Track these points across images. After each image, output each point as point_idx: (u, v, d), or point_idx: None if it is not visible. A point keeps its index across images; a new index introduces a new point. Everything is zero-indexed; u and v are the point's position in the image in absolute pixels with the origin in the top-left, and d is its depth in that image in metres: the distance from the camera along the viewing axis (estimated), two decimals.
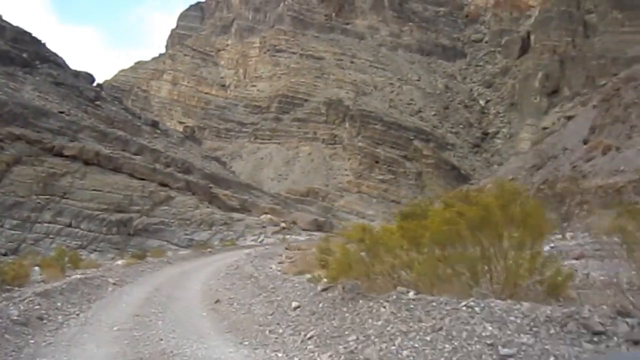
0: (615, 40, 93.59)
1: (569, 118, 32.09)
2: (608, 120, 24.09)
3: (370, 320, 6.89)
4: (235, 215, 56.39)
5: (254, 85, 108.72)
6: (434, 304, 6.26)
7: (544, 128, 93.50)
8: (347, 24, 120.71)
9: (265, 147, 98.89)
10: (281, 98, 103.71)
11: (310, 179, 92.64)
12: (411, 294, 6.97)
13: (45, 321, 9.42)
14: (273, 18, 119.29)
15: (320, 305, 8.77)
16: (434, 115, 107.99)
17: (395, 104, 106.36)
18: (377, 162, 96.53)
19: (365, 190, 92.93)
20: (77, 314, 10.52)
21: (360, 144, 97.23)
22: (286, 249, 29.57)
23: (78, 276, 15.19)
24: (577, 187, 20.79)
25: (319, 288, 9.69)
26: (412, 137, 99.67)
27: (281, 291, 11.04)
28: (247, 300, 11.42)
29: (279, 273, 14.75)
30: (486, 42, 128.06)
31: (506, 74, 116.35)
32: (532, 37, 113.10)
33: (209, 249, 36.57)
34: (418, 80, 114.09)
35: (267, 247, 37.07)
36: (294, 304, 9.47)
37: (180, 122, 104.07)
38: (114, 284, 15.40)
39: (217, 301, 11.84)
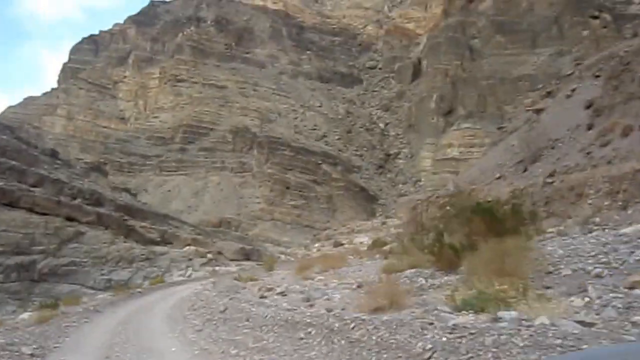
0: (501, 62, 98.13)
1: (538, 111, 30.78)
2: (619, 98, 22.47)
3: None
4: (157, 248, 50.96)
5: (156, 117, 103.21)
6: None
7: (448, 145, 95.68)
8: (248, 53, 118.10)
9: (172, 179, 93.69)
10: (185, 128, 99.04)
11: (221, 209, 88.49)
12: None
13: None
14: (172, 48, 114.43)
15: None
16: (338, 139, 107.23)
17: (301, 130, 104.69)
18: (288, 187, 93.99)
19: (279, 217, 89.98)
20: None
21: (269, 170, 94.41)
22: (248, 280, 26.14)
23: None
24: (600, 176, 18.94)
25: None
26: (320, 162, 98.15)
27: None
28: None
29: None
30: (380, 69, 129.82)
31: (402, 97, 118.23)
32: (424, 62, 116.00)
33: (138, 289, 32.21)
34: (320, 106, 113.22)
35: (206, 282, 31.88)
36: None
37: (78, 159, 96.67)
38: (32, 355, 10.59)
39: None
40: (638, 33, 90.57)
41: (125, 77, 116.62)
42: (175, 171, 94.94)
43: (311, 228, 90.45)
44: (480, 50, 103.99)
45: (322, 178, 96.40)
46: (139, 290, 31.63)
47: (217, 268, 48.94)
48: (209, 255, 52.41)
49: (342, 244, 70.90)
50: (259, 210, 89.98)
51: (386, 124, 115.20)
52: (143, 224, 55.88)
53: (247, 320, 11.06)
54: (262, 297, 14.68)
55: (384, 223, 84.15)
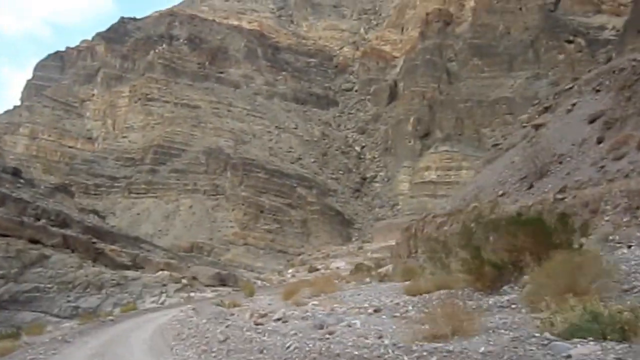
0: (478, 84, 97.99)
1: (537, 127, 29.79)
2: (632, 110, 21.40)
3: None
4: (129, 273, 47.79)
5: (125, 137, 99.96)
6: None
7: (426, 168, 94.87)
8: (222, 72, 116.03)
9: (142, 202, 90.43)
10: (156, 149, 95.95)
11: (193, 233, 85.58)
12: None
13: None
14: (143, 66, 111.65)
15: None
16: (314, 162, 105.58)
17: (275, 152, 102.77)
18: (262, 211, 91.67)
19: (252, 241, 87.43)
20: None
21: (243, 193, 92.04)
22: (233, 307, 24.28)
23: None
24: (617, 191, 17.71)
25: None
26: (295, 185, 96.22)
27: None
28: None
29: None
30: (356, 91, 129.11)
31: (378, 120, 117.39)
32: (400, 85, 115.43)
33: (109, 317, 29.32)
34: (295, 128, 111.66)
35: (184, 308, 28.85)
36: None
37: (42, 180, 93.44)
38: None
39: None
40: (612, 57, 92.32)
41: (93, 95, 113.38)
42: (144, 193, 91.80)
43: (285, 253, 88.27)
44: (457, 73, 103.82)
45: (297, 202, 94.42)
46: (110, 318, 29.06)
47: (192, 294, 46.14)
48: (184, 281, 49.49)
49: (317, 269, 68.94)
50: (232, 235, 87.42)
51: (362, 147, 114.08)
52: (113, 247, 52.53)
53: (262, 352, 9.08)
54: (257, 323, 13.44)
55: (360, 248, 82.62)
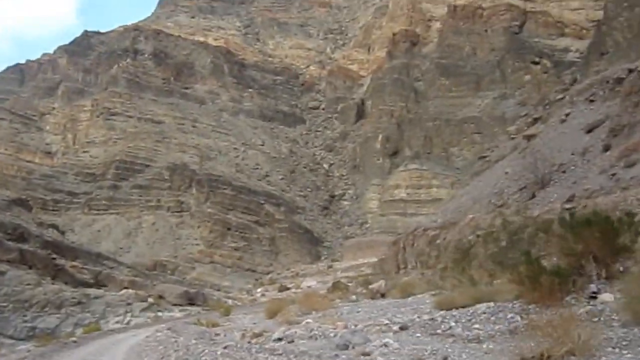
0: (446, 104, 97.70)
1: (530, 137, 28.79)
2: None
3: None
4: (91, 291, 44.09)
5: (86, 151, 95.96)
6: None
7: (395, 186, 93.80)
8: (187, 88, 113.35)
9: (102, 219, 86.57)
10: (118, 164, 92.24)
11: (156, 251, 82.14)
12: None
13: None
14: (106, 80, 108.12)
15: None
16: (282, 179, 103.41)
17: (242, 169, 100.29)
18: (228, 229, 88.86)
19: (219, 259, 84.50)
20: None
21: (209, 210, 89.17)
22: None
23: None
24: (635, 199, 16.30)
25: None
26: (262, 202, 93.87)
27: None
28: None
29: None
30: (323, 109, 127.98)
31: (345, 138, 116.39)
32: (368, 103, 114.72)
33: (72, 339, 26.41)
34: (262, 145, 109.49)
35: (154, 329, 26.33)
36: None
37: None
38: None
39: None
40: (577, 79, 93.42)
41: (53, 108, 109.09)
42: (105, 210, 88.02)
43: (253, 272, 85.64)
44: (424, 92, 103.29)
45: (265, 219, 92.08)
46: (72, 339, 26.23)
47: (159, 314, 43.78)
48: (150, 300, 46.51)
49: (288, 289, 67.26)
50: (198, 253, 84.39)
51: (330, 165, 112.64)
52: (74, 263, 49.19)
53: None
54: (259, 344, 11.58)
55: (330, 267, 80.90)
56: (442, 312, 11.03)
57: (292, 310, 18.88)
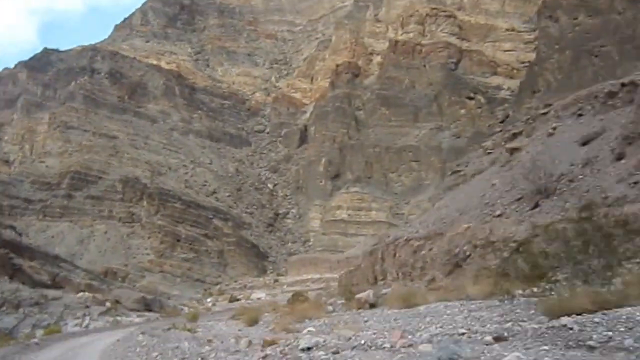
0: (386, 132, 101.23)
1: (513, 151, 30.70)
2: None
3: None
4: (49, 292, 44.81)
5: (43, 161, 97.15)
6: None
7: (337, 207, 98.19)
8: (140, 107, 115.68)
9: (56, 225, 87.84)
10: (73, 175, 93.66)
11: (107, 259, 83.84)
12: None
13: None
14: (64, 95, 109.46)
15: None
16: (229, 196, 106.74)
17: (191, 185, 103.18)
18: (178, 240, 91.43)
19: (169, 269, 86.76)
20: None
21: (160, 222, 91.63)
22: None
23: None
24: None
25: None
26: (211, 217, 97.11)
27: None
28: None
29: None
30: (267, 133, 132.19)
31: (289, 160, 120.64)
32: (311, 129, 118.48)
33: (34, 340, 24.50)
34: (210, 163, 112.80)
35: (135, 333, 25.53)
36: None
37: None
38: None
39: None
40: (509, 114, 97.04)
41: (12, 120, 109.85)
42: (59, 217, 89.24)
43: (202, 282, 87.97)
44: (365, 121, 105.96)
45: (214, 232, 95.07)
46: (34, 341, 23.97)
47: (118, 318, 43.79)
48: (108, 304, 47.53)
49: (238, 299, 68.89)
50: (148, 262, 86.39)
51: (274, 185, 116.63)
52: (32, 264, 49.83)
53: None
54: (283, 354, 10.22)
55: (276, 280, 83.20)
56: (566, 320, 8.16)
57: (283, 319, 18.19)
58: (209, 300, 75.56)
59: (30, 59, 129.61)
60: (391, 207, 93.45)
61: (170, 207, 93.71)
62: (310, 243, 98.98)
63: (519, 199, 22.58)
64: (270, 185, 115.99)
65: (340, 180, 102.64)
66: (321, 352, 9.35)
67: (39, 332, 32.04)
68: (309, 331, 13.56)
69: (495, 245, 19.49)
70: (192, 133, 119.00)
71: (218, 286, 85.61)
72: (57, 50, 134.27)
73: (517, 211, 21.80)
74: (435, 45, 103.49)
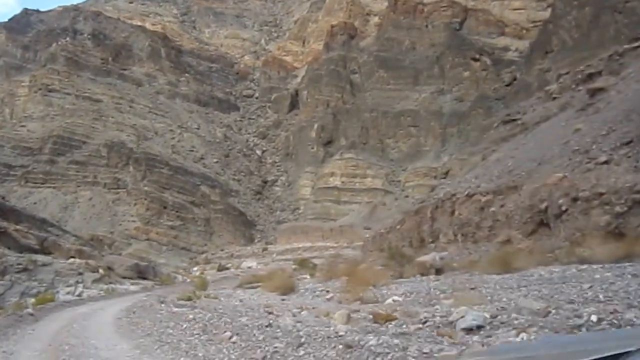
0: (384, 96, 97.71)
1: (594, 92, 26.47)
2: None
3: None
4: (39, 258, 40.06)
5: (24, 126, 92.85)
6: None
7: (330, 174, 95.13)
8: (125, 69, 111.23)
9: (39, 192, 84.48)
10: (56, 139, 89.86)
11: (92, 226, 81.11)
12: None
13: None
14: (45, 57, 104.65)
15: None
16: (216, 162, 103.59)
17: (178, 150, 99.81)
18: (165, 207, 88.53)
19: (155, 237, 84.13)
20: None
21: (146, 188, 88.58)
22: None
23: None
24: None
25: None
26: (198, 183, 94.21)
27: None
28: None
29: None
30: (257, 98, 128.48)
31: (278, 127, 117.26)
32: (304, 93, 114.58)
33: (28, 311, 20.41)
34: (198, 128, 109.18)
35: (124, 300, 23.21)
36: None
37: None
38: None
39: None
40: (516, 78, 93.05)
41: None
42: (42, 183, 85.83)
43: (188, 251, 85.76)
44: (361, 85, 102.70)
45: (201, 200, 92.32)
46: (28, 311, 20.35)
47: (112, 286, 39.99)
48: (101, 271, 44.32)
49: (227, 268, 67.18)
50: (134, 229, 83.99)
51: (263, 151, 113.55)
52: (18, 227, 47.22)
53: None
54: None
55: (265, 249, 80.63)
56: None
57: (363, 286, 14.42)
58: (195, 269, 73.46)
59: (9, 20, 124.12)
60: (387, 174, 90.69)
61: (157, 173, 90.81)
62: (300, 211, 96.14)
63: (627, 143, 18.58)
64: (258, 152, 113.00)
65: (333, 147, 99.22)
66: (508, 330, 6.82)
67: (30, 301, 28.06)
68: (394, 300, 11.80)
69: (604, 198, 16.23)
70: (179, 97, 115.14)
71: (204, 255, 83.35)
72: (37, 11, 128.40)
73: (629, 157, 18.03)
74: (439, 4, 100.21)
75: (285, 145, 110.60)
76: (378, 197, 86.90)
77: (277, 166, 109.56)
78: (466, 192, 24.35)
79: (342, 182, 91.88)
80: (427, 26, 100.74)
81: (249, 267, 66.95)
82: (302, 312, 12.02)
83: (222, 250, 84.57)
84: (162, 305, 17.35)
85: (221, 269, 67.01)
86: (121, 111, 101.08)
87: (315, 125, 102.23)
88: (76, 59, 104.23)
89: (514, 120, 35.82)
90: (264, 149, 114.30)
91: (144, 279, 48.13)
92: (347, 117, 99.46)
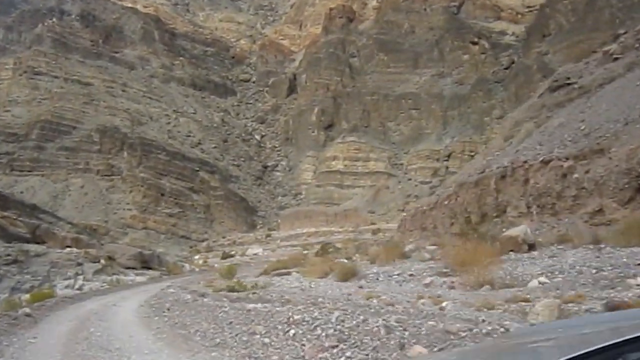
0: (385, 79, 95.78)
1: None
2: None
3: None
4: (31, 247, 35.35)
5: (8, 110, 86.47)
6: None
7: (332, 158, 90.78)
8: (116, 52, 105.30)
9: (26, 180, 78.66)
10: (43, 124, 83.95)
11: (85, 215, 75.54)
12: None
13: None
14: (30, 38, 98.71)
15: None
16: (215, 147, 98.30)
17: (175, 135, 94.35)
18: (162, 194, 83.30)
19: (152, 225, 78.99)
20: None
21: (142, 174, 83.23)
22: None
23: None
24: None
25: None
26: (197, 169, 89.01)
27: None
28: None
29: None
30: (254, 82, 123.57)
31: (277, 111, 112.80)
32: (303, 76, 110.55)
33: (24, 310, 16.24)
34: (194, 113, 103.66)
35: (143, 294, 19.92)
36: None
37: None
38: None
39: None
40: (514, 61, 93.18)
41: None
42: (30, 171, 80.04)
43: (187, 239, 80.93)
44: (360, 68, 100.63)
45: (200, 186, 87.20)
46: (25, 311, 16.21)
47: (116, 277, 35.75)
48: (102, 261, 38.07)
49: (232, 256, 63.80)
50: (130, 218, 78.71)
51: (262, 136, 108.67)
52: (5, 214, 42.45)
53: None
54: None
55: (268, 235, 77.67)
56: None
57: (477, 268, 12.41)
58: (196, 257, 69.50)
59: None
60: (390, 157, 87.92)
61: (153, 159, 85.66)
62: (302, 196, 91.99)
63: None
64: (257, 137, 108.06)
65: (334, 130, 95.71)
66: None
67: (23, 298, 23.50)
68: (541, 283, 10.78)
69: None
70: (174, 81, 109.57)
71: (205, 243, 78.89)
72: None
73: None
74: None
75: (285, 130, 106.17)
76: (381, 181, 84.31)
77: (277, 151, 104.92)
78: (541, 159, 20.98)
79: (345, 165, 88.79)
80: (425, 9, 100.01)
81: (255, 254, 64.05)
82: (421, 301, 9.54)
83: (223, 237, 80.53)
84: (204, 299, 13.41)
85: (225, 256, 63.67)
86: (113, 95, 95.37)
87: (316, 109, 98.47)
88: (64, 40, 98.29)
89: (569, 84, 32.16)
90: (263, 133, 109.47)
91: (149, 268, 43.67)
92: (347, 101, 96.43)
